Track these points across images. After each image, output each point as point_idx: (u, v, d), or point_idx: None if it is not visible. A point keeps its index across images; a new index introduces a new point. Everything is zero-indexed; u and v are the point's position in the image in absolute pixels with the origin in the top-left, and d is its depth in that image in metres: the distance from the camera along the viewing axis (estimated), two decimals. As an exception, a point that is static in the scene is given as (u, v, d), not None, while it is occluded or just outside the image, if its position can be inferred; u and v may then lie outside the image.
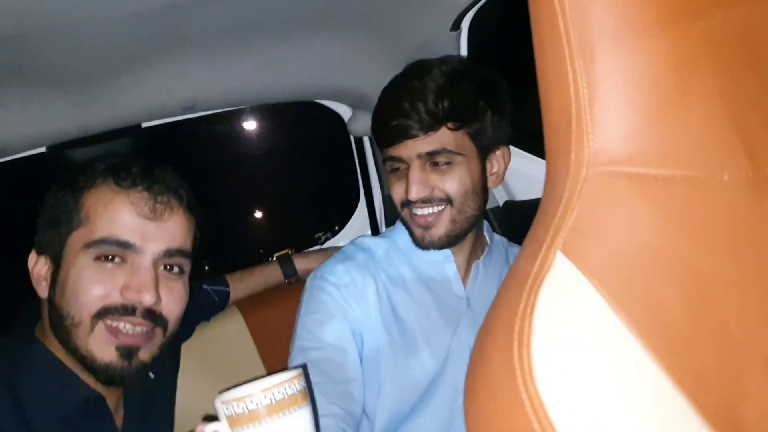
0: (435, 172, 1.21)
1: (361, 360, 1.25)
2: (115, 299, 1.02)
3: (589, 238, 0.44)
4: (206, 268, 1.77)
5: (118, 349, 1.02)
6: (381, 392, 1.25)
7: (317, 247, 2.11)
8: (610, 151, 0.46)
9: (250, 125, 2.34)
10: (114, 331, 1.02)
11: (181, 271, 1.11)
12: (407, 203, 1.24)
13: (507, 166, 1.32)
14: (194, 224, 1.15)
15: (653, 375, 0.39)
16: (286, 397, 0.74)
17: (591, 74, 0.46)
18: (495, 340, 0.44)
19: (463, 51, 1.57)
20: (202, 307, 1.58)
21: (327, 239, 2.20)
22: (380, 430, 1.25)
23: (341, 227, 2.20)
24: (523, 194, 1.67)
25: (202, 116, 1.76)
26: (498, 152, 1.29)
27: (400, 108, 1.19)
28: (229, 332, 1.58)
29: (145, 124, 1.63)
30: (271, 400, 0.73)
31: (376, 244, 1.38)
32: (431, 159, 1.21)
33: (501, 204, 1.76)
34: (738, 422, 0.41)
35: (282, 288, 1.72)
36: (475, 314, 1.31)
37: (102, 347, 1.02)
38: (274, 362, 1.36)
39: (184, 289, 1.12)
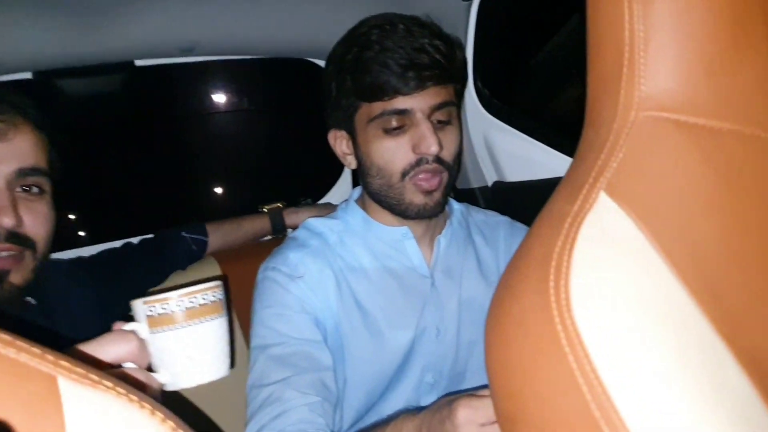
0: (437, 128, 1.12)
1: None
2: None
3: (636, 180, 0.43)
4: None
5: None
6: (348, 384, 1.18)
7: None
8: (660, 97, 0.45)
9: (239, 78, 2.29)
10: None
11: (41, 191, 1.08)
12: (414, 165, 1.11)
13: None
14: (47, 142, 1.11)
15: (693, 317, 0.39)
16: (208, 303, 0.77)
17: (649, 18, 0.45)
18: (527, 276, 0.43)
19: (471, 23, 1.55)
20: (178, 254, 1.54)
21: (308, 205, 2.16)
22: (349, 421, 1.19)
23: (324, 193, 2.17)
24: (513, 176, 1.67)
25: (195, 62, 1.72)
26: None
27: (414, 54, 1.07)
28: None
29: (138, 63, 1.59)
30: (192, 304, 0.76)
31: (328, 227, 1.26)
32: (436, 113, 1.11)
33: (490, 184, 1.76)
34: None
35: (261, 243, 1.70)
36: (439, 293, 1.22)
37: None
38: (248, 315, 1.34)
39: (48, 208, 1.09)
